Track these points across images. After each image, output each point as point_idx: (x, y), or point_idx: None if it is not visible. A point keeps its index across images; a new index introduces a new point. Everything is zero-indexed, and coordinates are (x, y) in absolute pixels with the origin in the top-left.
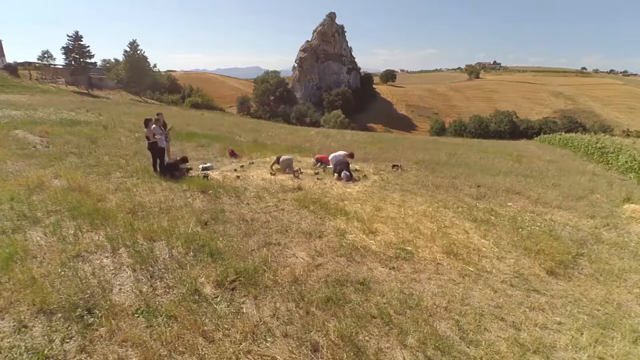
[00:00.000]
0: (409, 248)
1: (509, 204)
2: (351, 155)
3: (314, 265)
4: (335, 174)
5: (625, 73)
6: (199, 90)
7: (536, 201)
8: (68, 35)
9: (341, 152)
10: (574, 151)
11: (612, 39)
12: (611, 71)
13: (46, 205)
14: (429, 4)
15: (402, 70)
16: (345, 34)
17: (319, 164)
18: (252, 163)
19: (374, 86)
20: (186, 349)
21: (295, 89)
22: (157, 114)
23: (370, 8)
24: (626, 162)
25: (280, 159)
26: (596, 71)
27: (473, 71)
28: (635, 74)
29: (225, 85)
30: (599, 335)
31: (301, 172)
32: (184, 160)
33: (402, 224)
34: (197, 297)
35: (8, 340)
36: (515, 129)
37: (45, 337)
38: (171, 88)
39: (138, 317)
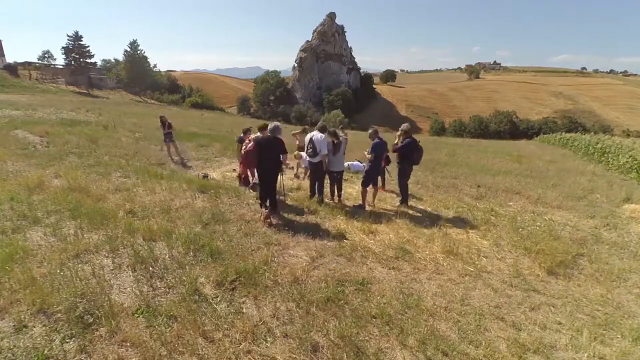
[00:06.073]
0: (409, 248)
1: (509, 203)
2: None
3: (313, 265)
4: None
5: (625, 73)
6: (199, 90)
7: (536, 201)
8: (68, 35)
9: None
10: (574, 151)
11: None
12: (611, 71)
13: (46, 205)
14: (430, 2)
15: (402, 70)
16: (346, 34)
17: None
18: None
19: (374, 86)
20: (186, 349)
21: (295, 89)
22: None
23: (369, 8)
24: (626, 162)
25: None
26: (596, 71)
27: (473, 71)
28: (635, 74)
29: (225, 85)
30: (598, 335)
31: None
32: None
33: (402, 224)
34: (197, 297)
35: (8, 340)
36: (515, 129)
37: (45, 337)
38: (171, 88)
39: (138, 317)
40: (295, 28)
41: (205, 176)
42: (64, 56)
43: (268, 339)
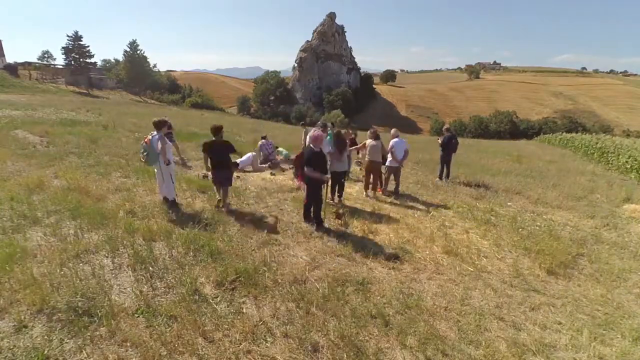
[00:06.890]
0: (409, 248)
1: (509, 204)
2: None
3: (313, 265)
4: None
5: (625, 73)
6: (199, 90)
7: (536, 201)
8: (68, 36)
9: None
10: (574, 151)
11: None
12: (611, 71)
13: (46, 205)
14: (430, 2)
15: (402, 70)
16: (346, 34)
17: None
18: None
19: (374, 86)
20: (186, 349)
21: (295, 89)
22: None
23: (369, 8)
24: (626, 162)
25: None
26: (596, 71)
27: (473, 71)
28: (636, 74)
29: (225, 85)
30: (598, 335)
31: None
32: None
33: (402, 224)
34: (197, 297)
35: (8, 340)
36: (515, 129)
37: (45, 337)
38: (171, 88)
39: (138, 317)
40: (295, 28)
41: (205, 176)
42: (63, 56)
43: (268, 339)
